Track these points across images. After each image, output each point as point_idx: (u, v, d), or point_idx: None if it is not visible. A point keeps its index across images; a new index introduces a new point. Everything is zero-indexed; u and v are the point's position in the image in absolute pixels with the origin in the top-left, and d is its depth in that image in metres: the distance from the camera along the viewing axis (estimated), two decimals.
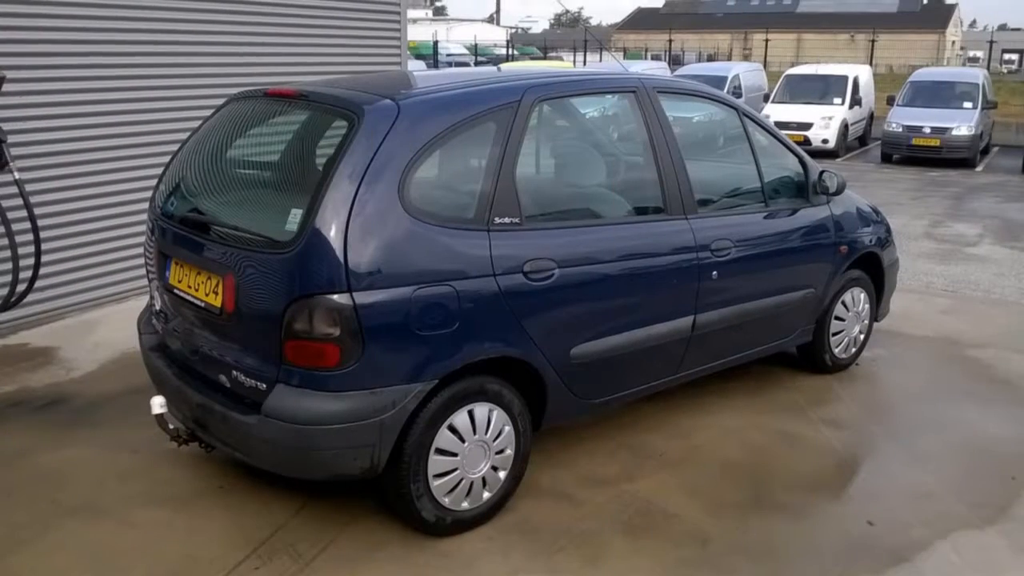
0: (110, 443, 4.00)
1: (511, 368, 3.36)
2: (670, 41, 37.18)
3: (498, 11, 58.44)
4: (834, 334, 4.94)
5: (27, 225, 4.95)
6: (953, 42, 59.79)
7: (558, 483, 3.74)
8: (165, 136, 5.94)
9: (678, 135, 3.97)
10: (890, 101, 17.59)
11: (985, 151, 17.62)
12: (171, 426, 3.45)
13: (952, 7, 61.73)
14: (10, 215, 4.94)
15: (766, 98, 18.82)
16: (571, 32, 60.98)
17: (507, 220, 3.26)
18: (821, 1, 62.86)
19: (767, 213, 4.41)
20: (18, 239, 4.94)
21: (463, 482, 3.28)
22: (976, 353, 5.47)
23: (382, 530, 3.33)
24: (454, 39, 42.94)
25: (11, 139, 5.00)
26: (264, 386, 3.03)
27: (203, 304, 3.26)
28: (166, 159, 3.94)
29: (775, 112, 17.07)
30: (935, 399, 4.77)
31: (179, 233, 3.46)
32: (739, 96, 18.20)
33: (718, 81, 18.07)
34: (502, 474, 3.41)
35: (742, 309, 4.21)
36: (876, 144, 18.18)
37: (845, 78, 18.01)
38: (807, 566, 3.22)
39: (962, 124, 15.82)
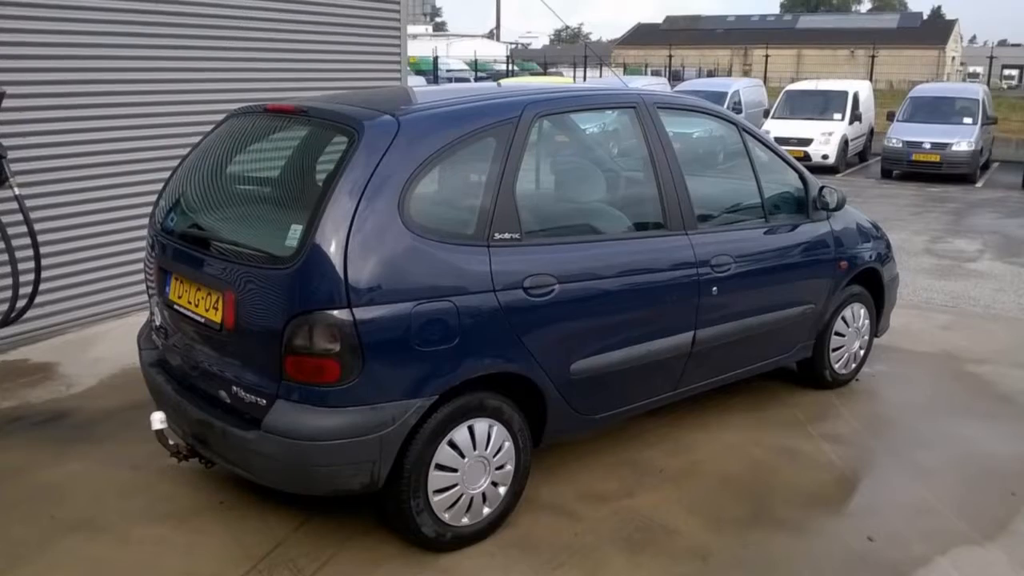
0: (110, 459, 3.99)
1: (511, 384, 3.36)
2: (670, 57, 37.20)
3: (498, 27, 58.70)
4: (834, 350, 4.94)
5: (27, 241, 4.96)
6: (953, 58, 59.89)
7: (558, 499, 3.73)
8: (165, 152, 5.95)
9: (678, 151, 3.98)
10: (890, 117, 17.61)
11: (985, 167, 17.63)
12: (171, 442, 3.45)
13: (952, 23, 61.94)
14: (10, 231, 4.95)
15: (766, 114, 18.86)
16: (571, 48, 61.12)
17: (507, 236, 3.26)
18: (821, 17, 63.20)
19: (767, 229, 4.42)
20: (18, 255, 4.95)
21: (463, 498, 3.27)
22: (976, 369, 5.46)
23: (382, 546, 3.33)
24: (454, 55, 43.02)
25: (11, 155, 5.01)
26: (264, 402, 3.03)
27: (203, 320, 3.26)
28: (166, 175, 3.95)
29: (775, 128, 17.11)
30: (935, 415, 4.76)
31: (179, 249, 3.47)
32: (739, 112, 18.22)
33: (718, 97, 18.11)
34: (502, 490, 3.40)
35: (742, 325, 4.21)
36: (876, 160, 18.21)
37: (845, 94, 18.04)
38: None
39: (962, 140, 15.82)
